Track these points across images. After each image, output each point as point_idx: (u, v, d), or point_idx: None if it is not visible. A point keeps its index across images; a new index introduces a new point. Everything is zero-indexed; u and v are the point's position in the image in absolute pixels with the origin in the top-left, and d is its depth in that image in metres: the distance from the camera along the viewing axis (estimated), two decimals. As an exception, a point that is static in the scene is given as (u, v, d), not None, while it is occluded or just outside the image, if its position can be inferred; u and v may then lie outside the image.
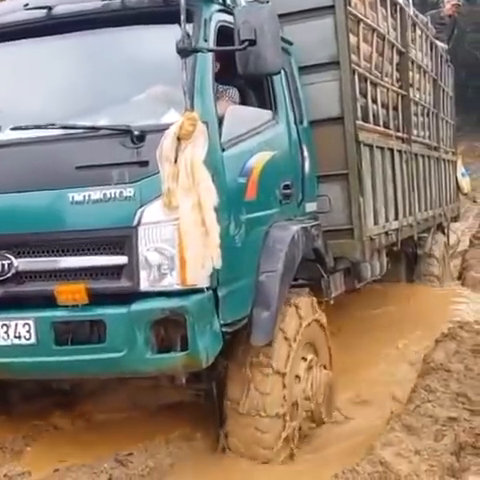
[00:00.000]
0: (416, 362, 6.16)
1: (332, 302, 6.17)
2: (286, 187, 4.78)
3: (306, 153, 5.27)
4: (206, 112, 3.87)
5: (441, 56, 10.96)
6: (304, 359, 4.73)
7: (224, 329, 3.94)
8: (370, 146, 6.38)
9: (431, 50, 10.06)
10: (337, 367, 5.57)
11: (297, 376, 4.61)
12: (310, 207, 5.33)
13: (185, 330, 3.68)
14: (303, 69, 5.77)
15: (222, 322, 3.92)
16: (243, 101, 4.82)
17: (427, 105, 9.63)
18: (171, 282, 3.71)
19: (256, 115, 4.64)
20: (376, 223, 6.42)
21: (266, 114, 4.79)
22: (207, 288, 3.79)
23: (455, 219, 12.56)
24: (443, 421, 4.55)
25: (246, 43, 3.74)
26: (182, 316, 3.67)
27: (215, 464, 4.51)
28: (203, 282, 3.73)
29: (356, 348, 6.57)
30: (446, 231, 11.07)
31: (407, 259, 9.59)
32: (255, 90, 4.96)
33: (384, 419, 4.74)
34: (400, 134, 7.80)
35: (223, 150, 4.01)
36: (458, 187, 12.57)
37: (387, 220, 6.82)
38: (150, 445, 4.64)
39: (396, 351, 6.62)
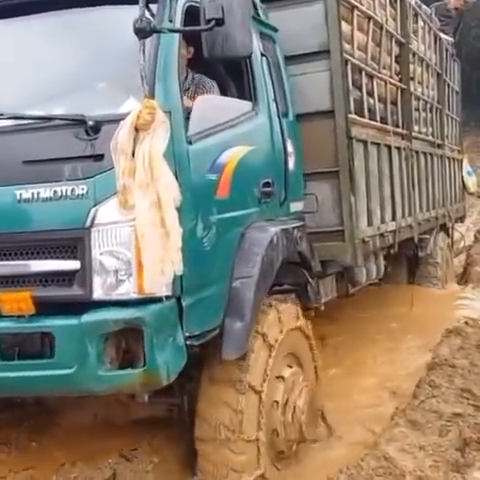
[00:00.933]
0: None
1: (322, 308, 5.81)
2: (266, 185, 4.37)
3: (291, 148, 4.87)
4: (169, 100, 3.48)
5: (446, 50, 10.51)
6: (289, 367, 4.34)
7: (190, 342, 3.55)
8: (364, 142, 5.96)
9: (435, 43, 9.62)
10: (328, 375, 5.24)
11: (281, 377, 4.23)
12: (295, 207, 4.92)
13: (142, 344, 3.28)
14: (291, 58, 5.37)
15: (187, 334, 3.53)
16: (223, 91, 4.43)
17: (430, 100, 9.19)
18: (128, 290, 3.31)
19: (232, 106, 4.24)
20: (370, 224, 6.01)
21: (245, 105, 4.39)
22: (168, 297, 3.39)
23: (461, 220, 12.12)
24: (448, 417, 4.55)
25: (212, 22, 3.34)
26: (139, 328, 3.28)
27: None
28: (163, 290, 3.33)
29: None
30: (450, 232, 10.61)
31: (408, 261, 9.17)
32: (236, 80, 4.57)
33: (370, 438, 4.38)
34: (399, 130, 7.38)
35: (190, 143, 3.61)
36: (464, 186, 12.13)
37: (383, 221, 6.40)
38: (153, 441, 4.44)
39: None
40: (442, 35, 10.15)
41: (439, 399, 4.85)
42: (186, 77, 4.36)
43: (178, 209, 3.35)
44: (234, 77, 4.58)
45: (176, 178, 3.39)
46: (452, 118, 11.38)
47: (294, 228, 4.56)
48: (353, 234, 5.47)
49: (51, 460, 4.26)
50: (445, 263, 9.64)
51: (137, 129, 3.27)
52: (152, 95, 3.35)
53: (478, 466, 4.03)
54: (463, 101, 12.69)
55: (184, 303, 3.49)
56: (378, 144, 6.38)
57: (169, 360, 3.37)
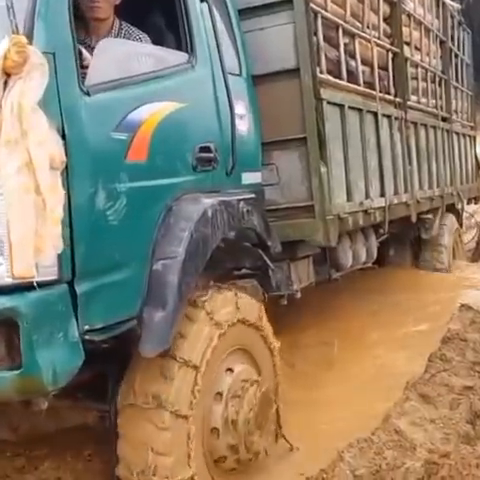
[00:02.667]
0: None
1: (298, 295, 5.13)
2: (205, 150, 3.71)
3: (242, 110, 4.19)
4: (53, 39, 2.82)
5: (452, 16, 9.71)
6: (230, 370, 3.67)
7: (90, 336, 2.90)
8: (340, 106, 5.25)
9: (437, 6, 8.84)
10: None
11: (219, 393, 3.55)
12: (250, 178, 4.24)
13: (18, 340, 2.64)
14: (248, 11, 4.70)
15: (86, 327, 2.88)
16: (158, 44, 3.78)
17: (432, 69, 8.43)
18: (1, 274, 2.67)
19: (156, 55, 3.58)
20: (350, 199, 5.31)
21: (177, 56, 3.73)
22: (55, 281, 2.74)
23: (475, 200, 11.34)
24: (459, 390, 4.58)
25: None
26: (13, 321, 2.63)
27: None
28: (43, 273, 2.68)
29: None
30: (461, 214, 9.83)
31: (412, 244, 8.44)
32: (173, 32, 3.92)
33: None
34: (390, 97, 6.65)
35: (87, 94, 2.95)
36: (478, 165, 11.31)
37: (368, 196, 5.69)
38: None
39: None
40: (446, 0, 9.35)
41: (450, 372, 4.87)
42: (112, 26, 3.75)
43: (66, 172, 2.72)
44: (171, 29, 3.94)
45: (63, 135, 2.75)
46: (462, 91, 10.59)
47: (240, 201, 3.88)
48: (325, 210, 4.77)
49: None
50: (452, 246, 8.87)
51: (8, 73, 2.63)
52: (30, 31, 2.71)
53: None
54: (474, 74, 11.88)
55: (79, 289, 2.84)
56: (360, 110, 5.66)
57: (56, 360, 2.72)
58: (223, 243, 3.91)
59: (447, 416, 4.23)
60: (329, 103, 4.98)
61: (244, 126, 4.20)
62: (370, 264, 6.67)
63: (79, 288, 2.84)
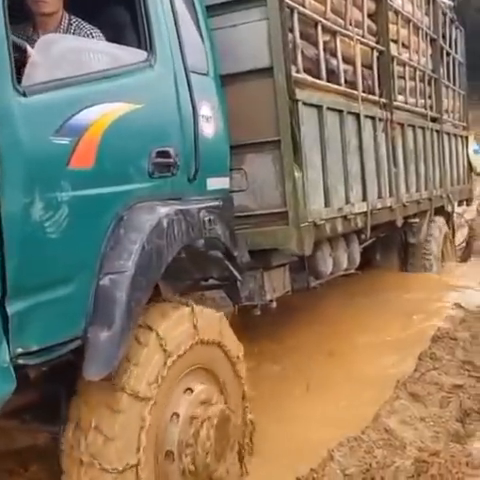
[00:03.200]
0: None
1: (274, 305, 4.90)
2: (163, 155, 3.45)
3: (208, 112, 3.93)
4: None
5: (444, 14, 9.47)
6: (189, 390, 3.42)
7: (23, 360, 2.65)
8: (318, 107, 5.00)
9: (428, 4, 8.60)
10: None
11: (175, 414, 3.30)
12: (216, 184, 3.98)
13: None
14: (221, 6, 4.46)
15: (19, 351, 2.63)
16: (113, 41, 3.52)
17: (421, 68, 8.19)
18: None
19: (109, 52, 3.32)
20: (327, 205, 5.06)
21: (134, 54, 3.48)
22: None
23: (467, 203, 11.11)
24: (448, 388, 4.58)
25: None
26: None
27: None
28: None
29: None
30: (451, 216, 9.58)
31: (400, 248, 8.20)
32: (132, 28, 3.67)
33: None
34: (375, 98, 6.40)
35: (23, 94, 2.70)
36: (470, 166, 11.08)
37: (348, 201, 5.44)
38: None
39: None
40: (437, -3, 9.10)
41: (440, 371, 4.88)
42: (60, 21, 3.49)
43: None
44: (129, 25, 3.69)
45: (-7, 140, 2.50)
46: (454, 91, 10.35)
47: (201, 209, 3.62)
48: (299, 216, 4.53)
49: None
50: (442, 250, 8.63)
51: None
52: None
53: (478, 436, 4.03)
54: (467, 73, 11.66)
55: (10, 309, 2.58)
56: (340, 111, 5.41)
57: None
58: (186, 253, 3.68)
59: (437, 414, 4.23)
60: (305, 104, 4.73)
61: (210, 129, 3.95)
62: (353, 270, 6.42)
63: (11, 308, 2.58)
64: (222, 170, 4.09)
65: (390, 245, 8.16)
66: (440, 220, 8.73)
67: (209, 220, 3.63)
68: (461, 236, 11.02)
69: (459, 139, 10.33)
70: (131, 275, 3.00)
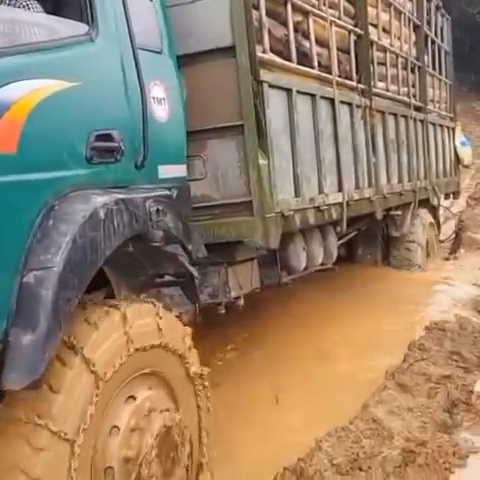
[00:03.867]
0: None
1: (241, 302, 4.59)
2: (104, 138, 3.12)
3: (161, 93, 3.62)
4: None
5: (428, 0, 9.16)
6: (132, 398, 3.09)
7: None
8: (287, 90, 4.68)
9: (410, -12, 8.29)
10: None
11: (115, 427, 2.97)
12: (169, 171, 3.67)
13: None
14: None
15: None
16: (56, 14, 3.20)
17: (404, 55, 7.88)
18: None
19: (44, 24, 3.00)
20: (298, 194, 4.74)
21: (73, 27, 3.15)
22: None
23: (454, 196, 10.81)
24: (436, 379, 4.59)
25: None
26: None
27: None
28: None
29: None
30: (436, 209, 9.28)
31: (382, 241, 7.91)
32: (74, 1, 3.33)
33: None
34: (352, 83, 6.09)
35: None
36: (457, 158, 10.77)
37: (321, 191, 5.12)
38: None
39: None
40: (421, -18, 8.79)
41: (428, 362, 4.87)
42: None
43: None
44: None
45: None
46: (440, 80, 10.05)
47: (147, 199, 3.29)
48: (264, 206, 4.21)
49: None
50: (426, 244, 8.33)
51: None
52: None
53: (466, 426, 4.06)
54: (455, 65, 11.36)
55: None
56: (312, 95, 5.09)
57: None
58: (135, 247, 3.36)
59: (424, 405, 4.23)
60: (272, 86, 4.41)
61: (163, 112, 3.63)
62: (330, 265, 6.11)
63: None
64: (177, 157, 3.77)
65: (372, 239, 7.87)
66: (424, 213, 8.42)
67: (157, 211, 3.30)
68: (450, 228, 10.76)
69: (445, 130, 10.03)
70: (59, 271, 2.67)
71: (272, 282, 5.22)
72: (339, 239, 7.08)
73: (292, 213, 4.56)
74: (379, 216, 6.50)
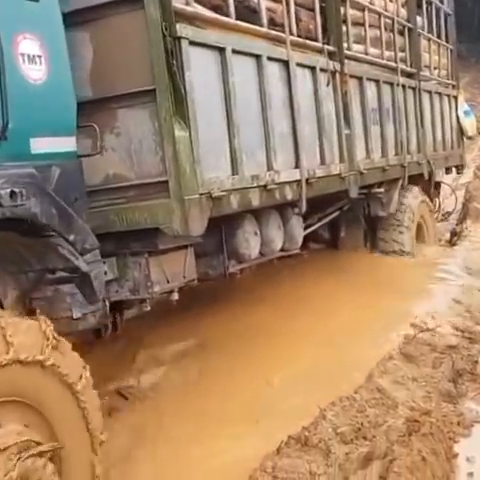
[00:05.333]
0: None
1: (175, 297, 3.99)
2: None
3: (33, 49, 2.98)
4: None
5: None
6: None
7: None
8: (220, 49, 3.99)
9: None
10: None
11: None
12: (47, 145, 3.02)
13: None
14: None
15: None
16: None
17: (389, 15, 7.08)
18: None
19: None
20: (235, 172, 4.06)
21: None
22: None
23: (458, 170, 10.03)
24: (441, 349, 4.62)
25: None
26: None
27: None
28: None
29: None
30: (432, 185, 8.49)
31: (366, 222, 7.21)
32: None
33: None
34: (317, 44, 5.36)
35: None
36: (461, 129, 9.96)
37: (269, 168, 4.44)
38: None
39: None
40: None
41: (433, 332, 4.89)
42: None
43: None
44: None
45: None
46: (439, 45, 9.22)
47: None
48: (183, 187, 3.55)
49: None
50: (418, 224, 7.59)
51: None
52: None
53: (470, 396, 4.09)
54: (464, 36, 10.53)
55: None
56: (257, 56, 4.39)
57: None
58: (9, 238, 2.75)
59: (429, 375, 4.25)
60: (195, 44, 3.72)
61: (38, 72, 2.98)
62: (295, 251, 5.44)
63: None
64: (60, 128, 3.12)
65: (355, 220, 7.15)
66: (416, 190, 7.67)
67: (12, 193, 2.66)
68: (456, 200, 9.99)
69: (446, 99, 9.23)
70: None
71: (216, 273, 4.57)
72: (316, 221, 6.46)
73: (225, 194, 3.88)
74: (353, 194, 5.78)
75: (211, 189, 3.75)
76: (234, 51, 4.09)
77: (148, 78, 3.53)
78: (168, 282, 3.93)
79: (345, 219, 7.10)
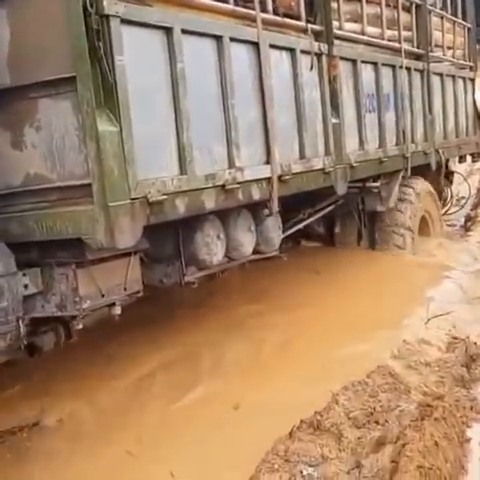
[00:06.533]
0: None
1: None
2: None
3: None
4: None
5: None
6: None
7: None
8: (166, 29, 3.44)
9: None
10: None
11: None
12: None
13: None
14: None
15: None
16: None
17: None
18: None
19: None
20: (184, 171, 3.53)
21: None
22: None
23: (473, 157, 9.40)
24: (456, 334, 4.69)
25: None
26: None
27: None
28: None
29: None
30: (441, 176, 7.88)
31: (360, 218, 6.64)
32: None
33: None
34: (299, 23, 4.78)
35: None
36: (478, 114, 9.29)
37: (231, 165, 3.90)
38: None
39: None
40: None
41: (448, 317, 4.90)
42: None
43: None
44: None
45: None
46: (455, 23, 8.53)
47: None
48: (110, 191, 3.03)
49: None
50: (420, 218, 7.00)
51: None
52: None
53: None
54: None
55: None
56: (217, 37, 3.83)
57: None
58: None
59: (442, 359, 4.26)
60: (129, 23, 3.18)
61: None
62: (273, 253, 4.91)
63: None
64: None
65: (350, 215, 6.60)
66: (420, 182, 7.06)
67: None
68: (469, 186, 9.44)
69: (460, 81, 8.56)
70: None
71: (171, 281, 4.07)
72: (307, 217, 5.94)
73: (168, 197, 3.36)
74: (340, 191, 5.21)
75: (148, 193, 3.23)
76: (185, 31, 3.54)
77: (68, 63, 3.00)
78: (103, 296, 3.44)
79: (340, 214, 6.55)
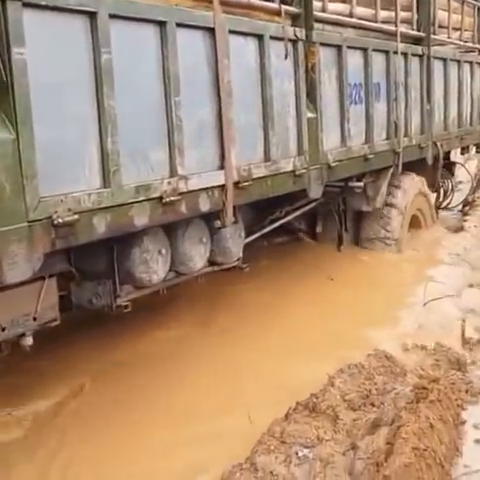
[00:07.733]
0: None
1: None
2: None
3: None
4: None
5: None
6: None
7: None
8: (88, 14, 2.87)
9: None
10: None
11: None
12: None
13: None
14: None
15: None
16: None
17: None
18: None
19: None
20: (107, 184, 2.98)
21: None
22: None
23: (478, 148, 8.80)
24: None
25: None
26: None
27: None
28: None
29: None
30: (438, 171, 7.28)
31: (341, 218, 6.10)
32: None
33: None
34: (270, 5, 4.18)
35: None
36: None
37: (173, 173, 3.35)
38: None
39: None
40: None
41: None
42: None
43: None
44: None
45: None
46: (463, 1, 7.87)
47: None
48: (1, 213, 2.50)
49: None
50: (411, 217, 6.43)
51: None
52: None
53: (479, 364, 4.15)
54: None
55: None
56: (159, 23, 3.25)
57: None
58: None
59: (438, 343, 4.30)
60: (34, 7, 2.61)
61: None
62: (233, 264, 4.38)
63: None
64: None
65: (332, 215, 6.04)
66: (411, 179, 6.48)
67: None
68: (467, 170, 9.06)
69: (466, 66, 7.91)
70: None
71: (101, 303, 3.55)
72: (283, 216, 5.41)
73: (81, 216, 2.82)
74: (314, 194, 4.65)
75: (53, 213, 2.69)
76: (114, 16, 2.96)
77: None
78: (3, 330, 2.93)
79: (322, 212, 6.00)
